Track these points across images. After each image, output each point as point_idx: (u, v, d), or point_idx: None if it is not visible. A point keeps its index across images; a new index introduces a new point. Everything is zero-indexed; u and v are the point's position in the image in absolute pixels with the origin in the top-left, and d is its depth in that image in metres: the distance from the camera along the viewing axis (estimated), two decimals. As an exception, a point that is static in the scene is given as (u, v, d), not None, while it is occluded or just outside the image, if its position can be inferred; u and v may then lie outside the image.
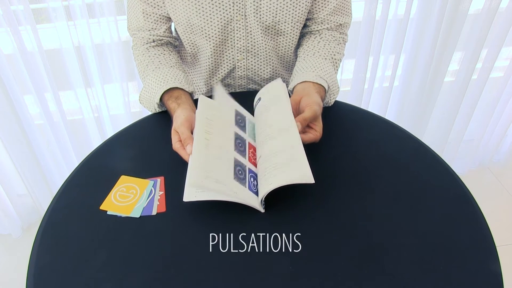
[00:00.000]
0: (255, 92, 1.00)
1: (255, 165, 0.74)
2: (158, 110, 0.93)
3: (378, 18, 1.50)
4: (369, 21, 1.50)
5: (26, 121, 1.50)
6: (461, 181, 0.75)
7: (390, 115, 1.85)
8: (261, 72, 1.02)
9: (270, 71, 1.03)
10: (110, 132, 1.64)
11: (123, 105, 1.57)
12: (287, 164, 0.68)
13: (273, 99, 0.83)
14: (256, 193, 0.69)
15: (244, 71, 1.01)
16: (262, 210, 0.68)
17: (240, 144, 0.77)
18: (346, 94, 1.74)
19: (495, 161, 2.09)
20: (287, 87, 0.94)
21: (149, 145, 0.84)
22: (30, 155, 1.59)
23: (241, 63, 0.99)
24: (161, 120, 0.92)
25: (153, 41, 0.97)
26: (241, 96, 0.92)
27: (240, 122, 0.83)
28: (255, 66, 1.01)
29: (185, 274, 0.60)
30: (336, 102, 0.97)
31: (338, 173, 0.77)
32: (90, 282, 0.59)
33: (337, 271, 0.60)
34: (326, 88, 0.88)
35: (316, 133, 0.78)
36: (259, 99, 0.85)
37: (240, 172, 0.71)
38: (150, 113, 0.96)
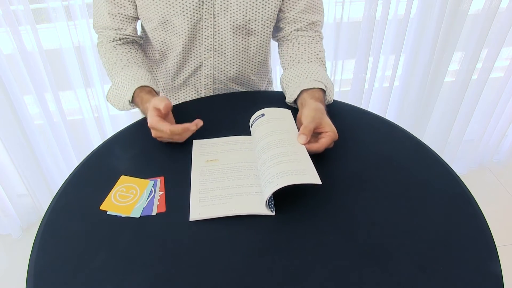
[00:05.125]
0: (252, 93, 1.01)
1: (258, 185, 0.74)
2: (127, 107, 0.92)
3: (378, 18, 1.50)
4: (369, 21, 1.50)
5: (26, 121, 1.50)
6: (461, 181, 0.75)
7: (390, 115, 1.85)
8: (227, 71, 1.02)
9: (236, 70, 1.03)
10: (110, 132, 1.64)
11: (123, 105, 1.57)
12: (293, 167, 0.69)
13: (277, 117, 0.83)
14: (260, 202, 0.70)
15: (210, 69, 1.01)
16: (272, 213, 0.68)
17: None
18: (346, 94, 1.74)
19: (495, 161, 2.09)
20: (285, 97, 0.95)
21: (149, 145, 0.84)
22: (30, 155, 1.59)
23: (208, 61, 1.00)
24: (161, 120, 0.92)
25: (119, 39, 0.98)
26: (236, 98, 0.93)
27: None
28: (221, 65, 1.01)
29: (185, 275, 0.60)
30: (336, 102, 0.97)
31: (338, 173, 0.77)
32: (90, 282, 0.59)
33: (337, 271, 0.60)
34: (324, 88, 0.88)
35: (327, 134, 0.77)
36: (262, 114, 0.84)
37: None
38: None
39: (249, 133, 0.85)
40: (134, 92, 0.88)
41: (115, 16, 0.95)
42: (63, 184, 0.76)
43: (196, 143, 0.83)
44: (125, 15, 0.95)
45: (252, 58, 1.02)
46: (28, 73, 1.39)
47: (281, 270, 0.60)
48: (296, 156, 0.72)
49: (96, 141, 1.66)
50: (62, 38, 1.37)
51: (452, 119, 1.82)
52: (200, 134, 0.85)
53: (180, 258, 0.62)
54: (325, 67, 0.98)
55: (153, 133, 0.80)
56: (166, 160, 0.80)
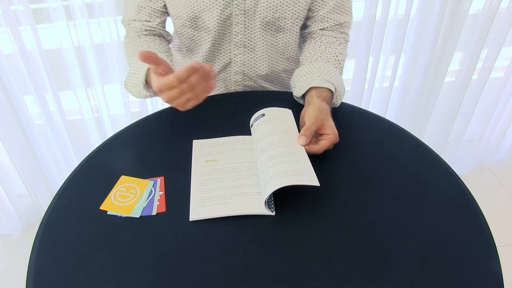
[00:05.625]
0: (251, 93, 1.00)
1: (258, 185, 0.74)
2: (143, 93, 0.86)
3: (378, 18, 1.50)
4: (369, 21, 1.50)
5: (26, 121, 1.50)
6: (461, 181, 0.75)
7: (390, 115, 1.85)
8: (257, 68, 1.02)
9: (266, 67, 1.03)
10: (110, 132, 1.64)
11: (123, 105, 1.57)
12: (292, 168, 0.69)
13: (277, 117, 0.83)
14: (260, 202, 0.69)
15: (240, 66, 1.01)
16: (272, 213, 0.68)
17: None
18: (346, 94, 1.73)
19: (495, 161, 2.09)
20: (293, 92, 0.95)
21: (149, 145, 0.84)
22: (30, 155, 1.58)
23: (237, 58, 1.00)
24: (161, 120, 0.92)
25: (145, 31, 0.98)
26: (236, 97, 0.93)
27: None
28: (251, 61, 1.01)
29: (185, 275, 0.60)
30: (336, 102, 0.97)
31: (338, 173, 0.77)
32: (90, 282, 0.59)
33: (337, 271, 0.60)
34: (333, 90, 0.88)
35: (328, 136, 0.77)
36: (262, 114, 0.84)
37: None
38: (149, 113, 0.96)
39: (249, 133, 0.85)
40: (146, 74, 0.82)
41: (144, 8, 0.96)
42: (63, 184, 0.76)
43: (196, 143, 0.84)
44: (153, 8, 0.96)
45: (281, 55, 1.02)
46: (28, 73, 1.39)
47: (281, 270, 0.60)
48: (295, 157, 0.72)
49: (96, 141, 1.66)
50: (62, 38, 1.37)
51: (452, 119, 1.82)
52: (200, 134, 0.85)
53: (180, 258, 0.62)
54: (342, 70, 0.97)
55: (164, 98, 0.73)
56: (166, 160, 0.80)
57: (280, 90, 1.11)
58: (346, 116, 0.92)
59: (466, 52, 1.63)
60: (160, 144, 0.84)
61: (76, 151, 1.66)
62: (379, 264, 0.61)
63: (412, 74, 1.71)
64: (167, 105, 0.95)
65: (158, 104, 1.62)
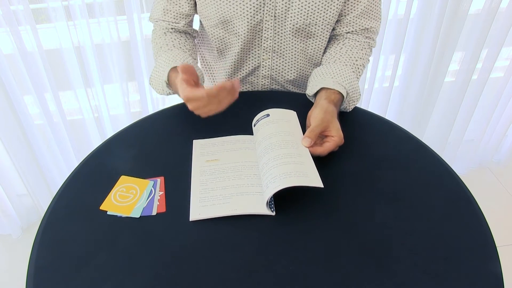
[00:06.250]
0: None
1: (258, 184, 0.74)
2: (166, 90, 0.91)
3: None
4: (369, 21, 1.50)
5: (26, 121, 1.50)
6: (461, 181, 0.75)
7: (390, 115, 1.85)
8: (285, 73, 1.02)
9: (295, 72, 1.03)
10: (110, 132, 1.64)
11: (123, 105, 1.57)
12: (296, 169, 0.69)
13: (282, 119, 0.83)
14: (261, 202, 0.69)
15: (268, 70, 1.02)
16: (273, 213, 0.68)
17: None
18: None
19: (495, 161, 2.09)
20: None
21: (149, 145, 0.84)
22: (30, 155, 1.59)
23: (266, 63, 1.00)
24: (161, 120, 0.92)
25: (172, 29, 1.00)
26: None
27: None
28: (280, 66, 1.01)
29: (185, 275, 0.60)
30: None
31: (338, 173, 0.77)
32: (90, 282, 0.59)
33: (337, 271, 0.60)
34: (345, 94, 0.88)
35: (333, 139, 0.77)
36: (267, 115, 0.84)
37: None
38: (149, 113, 0.96)
39: (249, 133, 0.85)
40: (170, 75, 0.87)
41: (169, 11, 0.96)
42: (63, 184, 0.76)
43: (196, 143, 0.84)
44: (179, 12, 0.96)
45: (310, 60, 1.02)
46: (28, 73, 1.39)
47: (281, 270, 0.60)
48: (299, 159, 0.72)
49: (96, 141, 1.66)
50: (62, 38, 1.37)
51: (452, 119, 1.82)
52: (200, 134, 0.85)
53: (180, 258, 0.62)
54: (359, 74, 0.96)
55: (190, 106, 0.76)
56: (166, 160, 0.80)
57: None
58: (347, 116, 0.92)
59: (466, 52, 1.64)
60: (160, 144, 0.84)
61: (76, 151, 1.66)
62: (379, 264, 0.61)
63: (412, 74, 1.71)
64: (167, 106, 0.96)
65: (158, 104, 1.62)
